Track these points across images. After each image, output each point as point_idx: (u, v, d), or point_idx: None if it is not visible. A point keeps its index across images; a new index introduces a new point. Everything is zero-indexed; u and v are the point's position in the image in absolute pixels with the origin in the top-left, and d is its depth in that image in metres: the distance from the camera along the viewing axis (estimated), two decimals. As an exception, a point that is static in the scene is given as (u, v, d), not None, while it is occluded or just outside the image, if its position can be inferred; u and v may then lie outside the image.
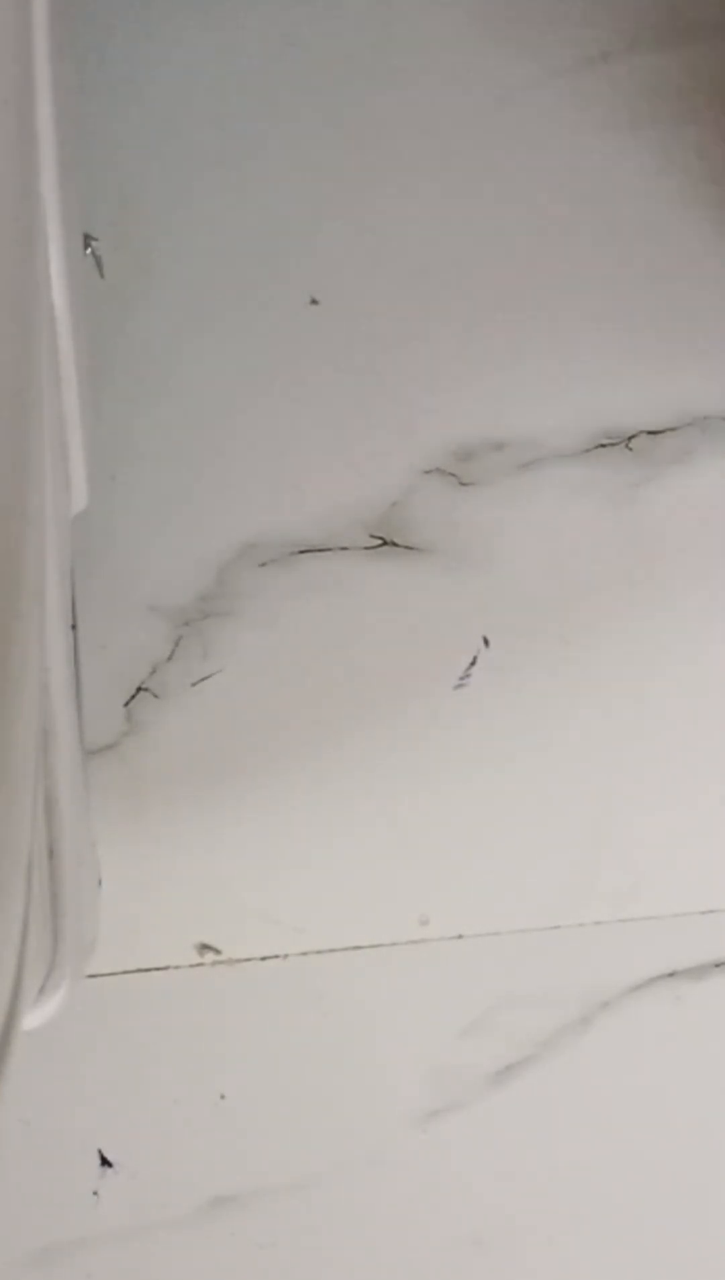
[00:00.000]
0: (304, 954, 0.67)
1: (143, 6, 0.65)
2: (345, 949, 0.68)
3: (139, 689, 0.66)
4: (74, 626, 0.52)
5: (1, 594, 0.30)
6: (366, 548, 0.67)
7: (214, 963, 0.67)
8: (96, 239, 0.63)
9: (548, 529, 0.68)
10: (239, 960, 0.67)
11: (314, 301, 0.67)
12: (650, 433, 0.69)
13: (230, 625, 0.66)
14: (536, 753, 0.68)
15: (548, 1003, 0.69)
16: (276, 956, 0.67)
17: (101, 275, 0.64)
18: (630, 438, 0.68)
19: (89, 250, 0.63)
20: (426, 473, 0.67)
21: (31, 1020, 0.48)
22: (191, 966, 0.67)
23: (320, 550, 0.67)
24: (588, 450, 0.68)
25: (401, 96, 0.67)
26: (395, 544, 0.67)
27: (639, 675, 0.69)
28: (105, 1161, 0.67)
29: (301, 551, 0.67)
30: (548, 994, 0.69)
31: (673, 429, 0.69)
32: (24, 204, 0.33)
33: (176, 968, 0.67)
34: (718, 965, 0.70)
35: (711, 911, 0.70)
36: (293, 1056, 0.68)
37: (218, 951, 0.67)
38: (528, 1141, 0.70)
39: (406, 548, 0.67)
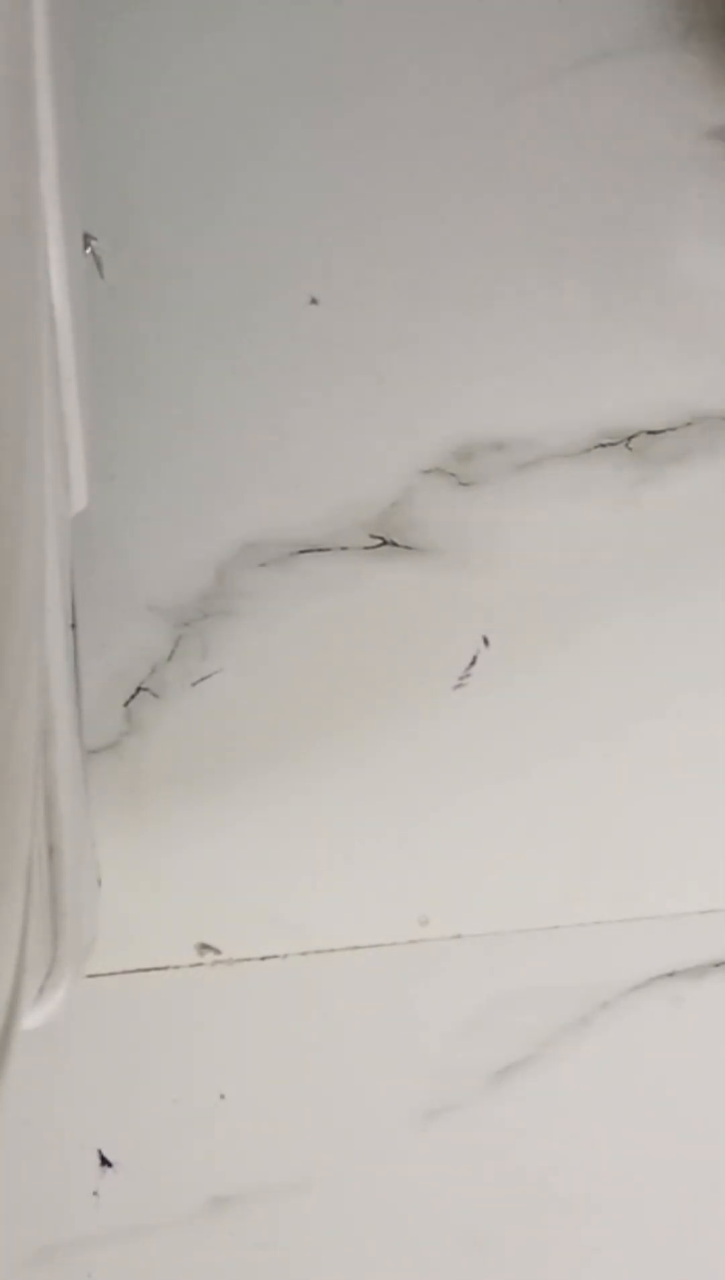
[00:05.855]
0: (304, 954, 0.67)
1: (143, 6, 0.65)
2: (345, 949, 0.68)
3: (139, 689, 0.66)
4: (74, 626, 0.52)
5: (1, 594, 0.30)
6: (366, 548, 0.67)
7: (214, 963, 0.67)
8: (96, 239, 0.63)
9: (548, 529, 0.68)
10: (239, 960, 0.67)
11: (314, 301, 0.67)
12: (650, 433, 0.69)
13: (230, 625, 0.66)
14: (536, 752, 0.68)
15: (548, 1003, 0.69)
16: (276, 956, 0.67)
17: (101, 275, 0.64)
18: (630, 438, 0.68)
19: (89, 250, 0.63)
20: (426, 473, 0.67)
21: (31, 1020, 0.48)
22: (191, 966, 0.67)
23: (320, 550, 0.67)
24: (588, 450, 0.68)
25: (402, 95, 0.67)
26: (395, 544, 0.67)
27: (639, 675, 0.69)
28: (105, 1161, 0.67)
29: (301, 551, 0.67)
30: (547, 994, 0.69)
31: (673, 429, 0.69)
32: (24, 204, 0.33)
33: (176, 968, 0.67)
34: (718, 965, 0.70)
35: (711, 911, 0.70)
36: (293, 1056, 0.68)
37: (218, 951, 0.67)
38: (527, 1141, 0.70)
39: (406, 548, 0.67)
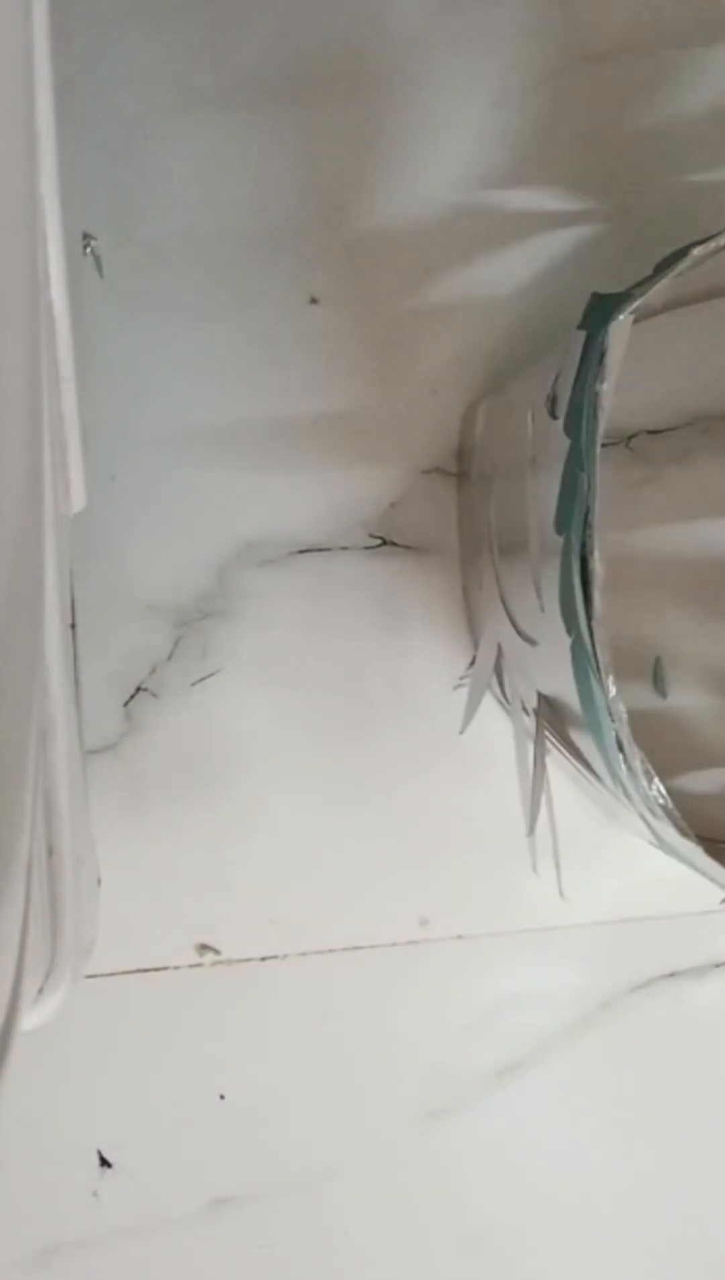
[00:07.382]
0: (304, 954, 0.67)
1: (144, 5, 0.65)
2: (345, 949, 0.68)
3: (139, 689, 0.66)
4: (74, 626, 0.52)
5: (0, 594, 0.30)
6: (366, 548, 0.67)
7: (214, 963, 0.67)
8: (96, 238, 0.63)
9: (548, 529, 0.68)
10: (239, 960, 0.67)
11: (314, 301, 0.66)
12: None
13: (230, 625, 0.66)
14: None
15: (548, 1003, 0.69)
16: (276, 956, 0.67)
17: (101, 275, 0.64)
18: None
19: (88, 249, 0.63)
20: (426, 472, 0.67)
21: (31, 1020, 0.48)
22: (191, 966, 0.67)
23: (320, 550, 0.67)
24: (588, 450, 0.68)
25: (402, 94, 0.67)
26: (395, 544, 0.67)
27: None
28: (105, 1161, 0.67)
29: (301, 551, 0.67)
30: (548, 994, 0.69)
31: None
32: (24, 204, 0.33)
33: (176, 968, 0.67)
34: (718, 965, 0.70)
35: (711, 911, 0.70)
36: (293, 1056, 0.68)
37: (218, 951, 0.67)
38: (528, 1141, 0.70)
39: (406, 548, 0.67)
